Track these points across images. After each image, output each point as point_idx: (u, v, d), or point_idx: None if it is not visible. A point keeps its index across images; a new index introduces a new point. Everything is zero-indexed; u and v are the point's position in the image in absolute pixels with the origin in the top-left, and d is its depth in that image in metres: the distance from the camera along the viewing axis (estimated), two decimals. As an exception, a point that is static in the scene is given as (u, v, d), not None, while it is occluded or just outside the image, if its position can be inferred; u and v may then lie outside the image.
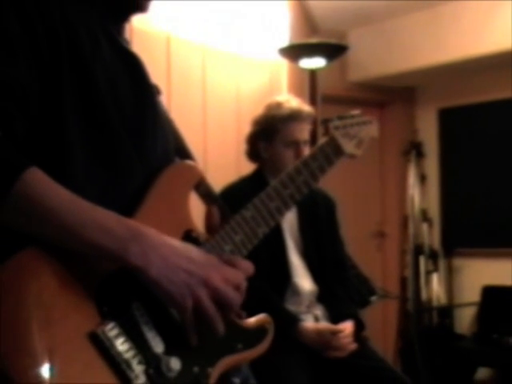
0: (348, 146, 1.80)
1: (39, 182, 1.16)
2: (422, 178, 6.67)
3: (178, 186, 1.43)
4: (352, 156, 1.83)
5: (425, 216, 6.61)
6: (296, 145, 3.01)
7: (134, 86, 1.40)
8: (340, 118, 1.86)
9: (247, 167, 3.25)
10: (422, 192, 6.64)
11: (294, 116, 3.04)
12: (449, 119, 6.55)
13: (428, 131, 6.70)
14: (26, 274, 1.15)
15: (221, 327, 1.25)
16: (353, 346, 2.95)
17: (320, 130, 3.12)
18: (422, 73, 6.13)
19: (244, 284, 1.32)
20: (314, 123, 3.22)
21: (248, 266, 1.36)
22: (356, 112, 1.91)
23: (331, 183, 3.35)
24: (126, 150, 1.35)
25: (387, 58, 6.11)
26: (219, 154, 4.94)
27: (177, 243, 1.27)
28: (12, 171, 1.14)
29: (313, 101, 4.72)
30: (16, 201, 1.13)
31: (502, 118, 6.12)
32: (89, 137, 1.29)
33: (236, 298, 1.27)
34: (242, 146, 3.23)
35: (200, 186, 1.46)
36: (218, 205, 1.50)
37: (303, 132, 3.05)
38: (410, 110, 6.81)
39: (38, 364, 1.10)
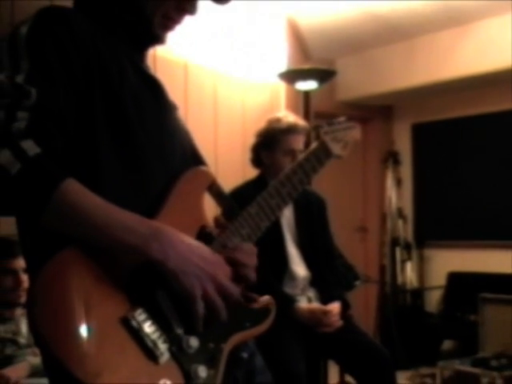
0: (336, 149, 1.77)
1: (74, 190, 1.15)
2: (398, 182, 6.66)
3: (193, 188, 1.41)
4: (339, 156, 1.80)
5: (400, 213, 6.60)
6: (293, 153, 2.98)
7: (154, 102, 1.39)
8: (329, 124, 1.83)
9: (251, 172, 3.24)
10: (398, 193, 6.63)
11: (291, 129, 3.02)
12: (420, 132, 6.54)
13: (403, 142, 6.69)
14: (67, 269, 1.15)
15: (223, 314, 1.25)
16: (339, 323, 2.94)
17: (312, 135, 3.11)
18: (398, 94, 6.13)
19: (254, 264, 1.36)
20: (308, 135, 3.19)
21: (250, 247, 1.39)
22: (342, 118, 1.88)
23: (323, 186, 3.35)
24: (149, 160, 1.34)
25: (369, 81, 6.11)
26: (228, 161, 4.93)
27: (191, 241, 1.26)
28: (52, 182, 1.13)
29: (306, 117, 4.70)
30: (55, 207, 1.13)
31: (466, 132, 6.13)
32: (117, 149, 1.29)
33: (235, 291, 1.27)
34: (247, 155, 3.21)
35: (212, 187, 1.45)
36: (228, 203, 1.48)
37: (299, 142, 3.03)
38: (388, 124, 6.80)
39: (79, 345, 1.09)
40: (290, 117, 3.10)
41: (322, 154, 1.71)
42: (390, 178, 6.60)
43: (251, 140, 3.18)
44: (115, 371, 1.12)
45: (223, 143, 5.08)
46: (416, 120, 6.55)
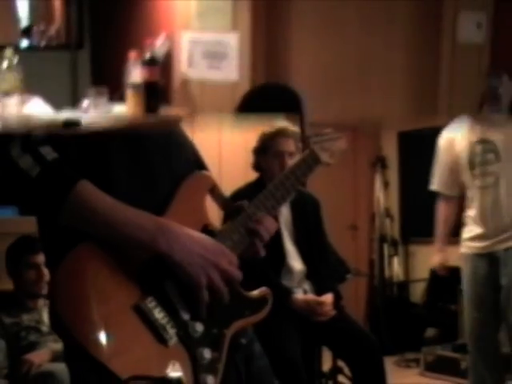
0: (324, 157, 1.78)
1: (87, 191, 1.17)
2: (386, 184, 6.66)
3: (196, 191, 1.42)
4: (327, 164, 1.81)
5: (388, 213, 6.59)
6: (281, 155, 2.93)
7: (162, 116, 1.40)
8: (317, 135, 1.84)
9: (252, 176, 3.22)
10: (385, 195, 6.63)
11: (280, 132, 2.99)
12: (405, 140, 6.55)
13: (390, 149, 6.69)
14: (84, 262, 1.17)
15: (227, 298, 1.26)
16: (333, 313, 2.93)
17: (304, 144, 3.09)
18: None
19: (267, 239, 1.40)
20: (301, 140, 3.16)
21: (271, 221, 1.44)
22: (329, 130, 1.89)
23: (317, 188, 3.35)
24: (157, 164, 1.35)
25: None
26: (231, 165, 4.92)
27: (195, 234, 1.27)
28: (67, 184, 1.15)
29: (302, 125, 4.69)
30: (71, 206, 1.15)
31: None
32: (127, 154, 1.29)
33: (238, 275, 1.28)
34: (250, 160, 3.19)
35: (213, 190, 1.47)
36: (227, 204, 1.49)
37: (288, 145, 2.96)
38: (376, 132, 6.79)
39: (97, 330, 1.11)
40: (282, 123, 3.09)
41: (312, 161, 1.72)
42: (378, 180, 6.60)
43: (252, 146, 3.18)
44: (129, 352, 1.13)
45: (226, 149, 5.08)
46: (401, 129, 6.56)
